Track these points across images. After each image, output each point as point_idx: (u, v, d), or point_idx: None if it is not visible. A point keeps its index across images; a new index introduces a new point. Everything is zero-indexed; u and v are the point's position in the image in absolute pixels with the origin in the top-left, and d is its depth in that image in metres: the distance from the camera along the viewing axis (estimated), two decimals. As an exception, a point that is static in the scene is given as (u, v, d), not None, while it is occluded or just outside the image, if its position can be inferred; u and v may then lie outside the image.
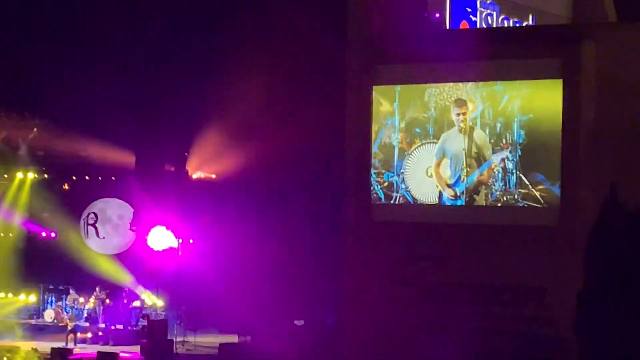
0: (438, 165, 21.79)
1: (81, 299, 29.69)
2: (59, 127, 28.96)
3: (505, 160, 21.16)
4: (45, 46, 26.56)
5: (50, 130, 28.98)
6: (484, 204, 21.55)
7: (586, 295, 20.04)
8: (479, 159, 21.49)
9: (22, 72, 26.20)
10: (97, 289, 29.53)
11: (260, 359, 23.91)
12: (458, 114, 21.61)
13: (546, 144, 20.94)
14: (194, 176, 29.10)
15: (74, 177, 30.48)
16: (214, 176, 29.28)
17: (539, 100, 21.07)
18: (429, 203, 21.98)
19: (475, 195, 21.59)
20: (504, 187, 21.28)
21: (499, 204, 21.44)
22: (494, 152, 21.24)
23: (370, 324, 21.65)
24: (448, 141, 21.72)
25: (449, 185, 21.69)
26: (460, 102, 21.59)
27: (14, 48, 26.06)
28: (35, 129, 29.41)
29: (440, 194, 21.81)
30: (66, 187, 30.65)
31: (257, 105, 25.07)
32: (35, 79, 26.77)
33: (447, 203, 21.79)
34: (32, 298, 30.70)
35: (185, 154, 25.29)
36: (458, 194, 21.68)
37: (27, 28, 26.24)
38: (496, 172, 21.27)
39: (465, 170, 21.55)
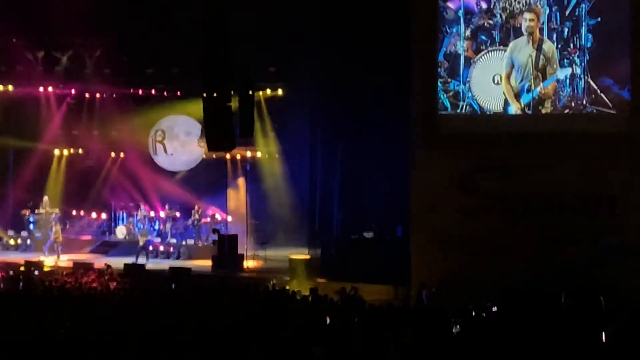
0: (508, 75, 21.60)
1: (152, 214, 30.11)
2: (125, 46, 29.10)
3: (574, 65, 20.92)
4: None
5: (115, 48, 29.11)
6: (552, 112, 21.37)
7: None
8: (546, 71, 21.28)
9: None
10: (167, 206, 29.93)
11: (328, 271, 24.10)
12: (526, 20, 21.35)
13: (615, 47, 20.70)
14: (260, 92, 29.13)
15: (140, 93, 30.62)
16: (280, 92, 29.28)
17: (607, 3, 20.77)
18: (496, 112, 21.81)
19: (540, 107, 21.40)
20: (572, 92, 21.08)
21: (567, 111, 21.24)
22: (561, 61, 21.02)
23: (438, 235, 21.66)
24: (516, 50, 21.51)
25: (516, 96, 21.51)
26: (529, 9, 21.32)
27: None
28: (100, 48, 29.54)
29: (507, 103, 21.65)
30: (132, 104, 30.82)
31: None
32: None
33: (515, 111, 21.62)
34: (104, 215, 31.16)
35: (251, 69, 25.17)
36: (524, 105, 21.51)
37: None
38: (565, 79, 21.06)
39: (532, 82, 21.36)
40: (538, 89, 21.28)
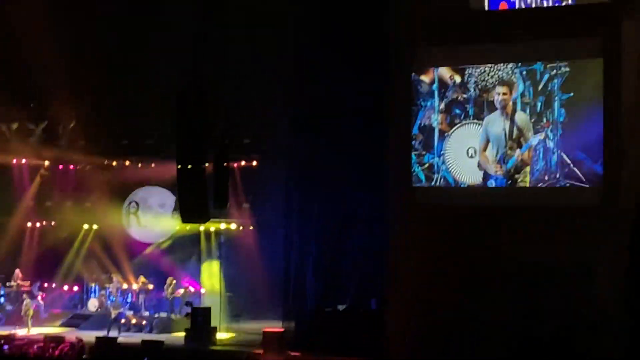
0: (483, 148, 21.77)
1: (125, 286, 29.88)
2: (99, 117, 29.11)
3: (546, 139, 21.09)
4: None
5: (90, 119, 29.12)
6: (526, 185, 21.49)
7: (633, 273, 19.97)
8: (520, 141, 21.46)
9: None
10: (141, 277, 29.74)
11: (302, 344, 23.95)
12: (499, 94, 21.59)
13: (587, 122, 20.86)
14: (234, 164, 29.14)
15: (114, 164, 30.60)
16: (255, 163, 29.31)
17: (580, 79, 21.00)
18: (471, 184, 21.93)
19: (517, 176, 21.54)
20: (545, 166, 21.21)
21: (541, 184, 21.36)
22: (535, 132, 21.21)
23: (414, 306, 21.62)
24: (490, 124, 21.70)
25: (492, 167, 21.65)
26: (501, 83, 21.57)
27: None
28: (74, 119, 29.53)
29: (483, 175, 21.78)
30: (107, 175, 30.75)
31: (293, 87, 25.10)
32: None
33: (490, 184, 21.73)
34: (76, 288, 30.89)
35: (226, 141, 25.23)
36: (500, 176, 21.63)
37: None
38: (537, 152, 21.20)
39: (506, 152, 21.51)
40: (515, 156, 21.40)
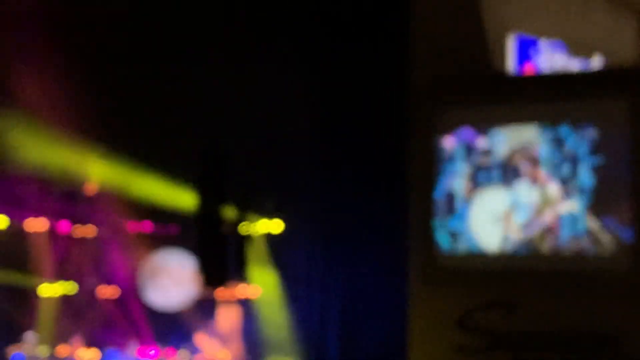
0: (508, 214, 21.45)
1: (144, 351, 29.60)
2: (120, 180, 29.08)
3: (574, 205, 20.78)
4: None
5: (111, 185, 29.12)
6: (553, 250, 21.16)
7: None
8: (546, 206, 21.14)
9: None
10: (166, 346, 29.45)
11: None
12: (524, 159, 21.32)
13: (616, 188, 20.53)
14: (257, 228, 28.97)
15: (135, 227, 30.53)
16: (277, 227, 29.08)
17: (608, 143, 20.68)
18: (495, 250, 21.62)
19: (543, 242, 21.19)
20: (572, 232, 20.88)
21: (568, 251, 21.03)
22: (561, 197, 20.91)
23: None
24: (515, 189, 21.41)
25: (517, 233, 21.35)
26: (526, 146, 21.29)
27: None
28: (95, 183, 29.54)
29: (507, 241, 21.46)
30: (128, 238, 30.66)
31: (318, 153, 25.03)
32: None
33: (514, 250, 21.41)
34: (95, 352, 30.66)
35: (248, 206, 25.09)
36: (526, 242, 21.30)
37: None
38: (564, 218, 20.89)
39: (532, 218, 21.20)
40: (540, 223, 21.10)
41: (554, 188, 21.01)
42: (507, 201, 21.43)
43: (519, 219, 21.32)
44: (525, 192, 21.29)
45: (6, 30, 25.17)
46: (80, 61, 26.01)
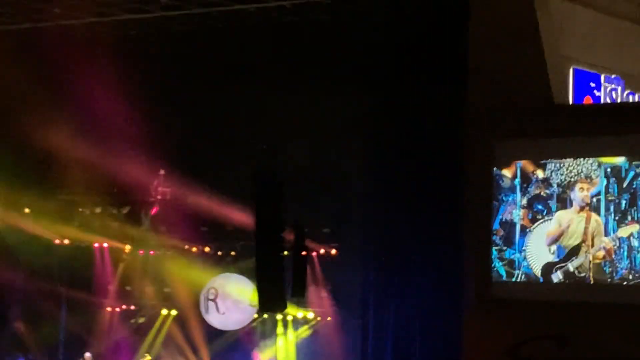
0: (555, 241, 21.43)
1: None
2: (180, 204, 29.45)
3: (631, 237, 20.69)
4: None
5: (171, 206, 29.52)
6: (609, 283, 21.06)
7: None
8: (595, 240, 21.06)
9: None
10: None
11: None
12: (581, 189, 21.26)
13: (673, 220, 20.49)
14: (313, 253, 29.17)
15: (194, 250, 30.89)
16: (334, 252, 29.31)
17: (665, 176, 20.67)
18: (552, 280, 21.55)
19: (599, 273, 21.09)
20: (629, 265, 20.77)
21: (625, 283, 20.93)
22: (619, 229, 20.81)
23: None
24: (567, 219, 21.36)
25: (563, 262, 21.32)
26: (583, 179, 21.25)
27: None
28: (156, 205, 29.99)
29: (563, 271, 21.40)
30: (186, 261, 31.04)
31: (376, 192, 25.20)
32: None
33: (570, 280, 21.33)
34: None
35: (305, 230, 25.27)
36: (576, 273, 21.23)
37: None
38: (622, 250, 20.80)
39: (580, 250, 21.13)
40: (590, 254, 21.02)
41: (598, 219, 20.94)
42: (558, 231, 21.38)
43: (567, 249, 21.25)
44: (574, 221, 21.21)
45: (81, 56, 25.83)
46: (150, 86, 26.57)
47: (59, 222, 30.67)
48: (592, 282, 21.15)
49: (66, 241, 31.22)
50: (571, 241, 21.22)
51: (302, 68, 25.72)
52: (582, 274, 21.20)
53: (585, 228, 21.09)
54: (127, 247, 31.49)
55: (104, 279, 31.70)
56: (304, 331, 29.66)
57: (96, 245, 31.29)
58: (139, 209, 30.28)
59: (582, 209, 21.16)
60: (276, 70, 25.97)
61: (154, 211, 30.03)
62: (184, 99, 27.37)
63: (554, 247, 21.41)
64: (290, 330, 29.70)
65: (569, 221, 21.23)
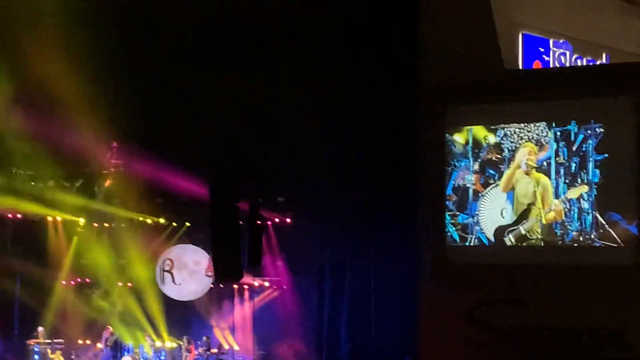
0: (516, 208, 21.61)
1: (158, 344, 29.94)
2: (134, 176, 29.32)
3: (581, 199, 20.94)
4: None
5: (124, 178, 29.38)
6: (560, 245, 21.32)
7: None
8: (545, 201, 21.30)
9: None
10: (185, 338, 29.69)
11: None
12: (530, 153, 21.45)
13: (622, 183, 20.65)
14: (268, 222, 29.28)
15: (149, 222, 30.82)
16: (289, 220, 29.41)
17: (614, 140, 20.79)
18: (504, 244, 21.78)
19: (550, 236, 21.35)
20: (580, 227, 21.03)
21: (576, 244, 21.20)
22: (567, 192, 21.05)
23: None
24: (516, 183, 21.58)
25: (525, 227, 21.53)
26: (533, 143, 21.46)
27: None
28: (109, 178, 29.87)
29: (516, 234, 21.61)
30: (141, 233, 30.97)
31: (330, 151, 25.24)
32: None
33: (523, 244, 21.55)
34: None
35: (259, 199, 25.33)
36: (528, 236, 21.47)
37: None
38: (572, 213, 21.06)
39: (535, 212, 21.35)
40: (539, 219, 21.26)
41: (547, 181, 21.17)
42: (514, 195, 21.57)
43: (518, 213, 21.48)
44: (522, 184, 21.43)
45: (45, 28, 25.47)
46: (101, 55, 26.30)
47: (11, 196, 30.42)
48: (543, 245, 21.44)
49: (19, 215, 31.00)
50: (522, 202, 21.48)
51: (256, 43, 25.65)
52: (534, 237, 21.46)
53: (534, 191, 21.35)
54: (81, 220, 31.35)
55: (58, 253, 31.54)
56: (261, 300, 29.75)
57: (50, 218, 31.09)
58: (92, 182, 30.14)
59: (530, 172, 21.42)
60: (232, 45, 25.88)
61: (107, 183, 29.90)
62: (138, 69, 27.15)
63: (505, 212, 21.64)
64: (247, 299, 29.78)
65: (518, 179, 21.47)
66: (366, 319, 25.20)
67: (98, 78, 26.20)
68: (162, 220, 30.71)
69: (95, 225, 31.43)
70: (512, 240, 21.70)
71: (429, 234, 22.27)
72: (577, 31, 23.36)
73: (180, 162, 27.55)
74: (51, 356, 29.24)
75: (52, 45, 25.60)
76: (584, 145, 21.01)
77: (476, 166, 22.05)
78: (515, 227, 21.64)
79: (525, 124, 21.58)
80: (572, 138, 21.13)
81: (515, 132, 21.67)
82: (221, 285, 29.82)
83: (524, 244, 21.57)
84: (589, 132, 20.99)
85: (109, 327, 30.31)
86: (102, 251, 31.47)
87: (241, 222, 23.58)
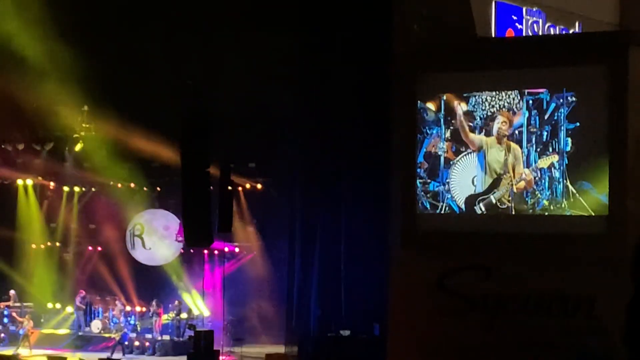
0: (487, 176, 21.62)
1: (127, 308, 29.93)
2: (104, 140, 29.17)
3: (552, 168, 20.99)
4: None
5: (95, 142, 29.24)
6: (530, 213, 21.38)
7: (635, 305, 19.79)
8: (515, 170, 21.31)
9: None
10: (155, 301, 29.65)
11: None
12: (503, 122, 21.44)
13: (593, 152, 20.73)
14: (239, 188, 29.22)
15: (119, 186, 30.70)
16: (259, 186, 29.37)
17: (586, 109, 20.84)
18: (475, 212, 21.83)
19: (521, 204, 21.41)
20: (550, 195, 21.09)
21: (546, 213, 21.27)
22: (539, 161, 21.05)
23: (415, 334, 21.52)
24: (488, 150, 21.58)
25: (496, 195, 21.57)
26: (505, 111, 21.44)
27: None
28: (80, 142, 29.69)
29: (487, 202, 21.67)
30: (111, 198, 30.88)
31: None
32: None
33: (493, 212, 21.60)
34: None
35: (230, 165, 25.24)
36: (499, 205, 21.50)
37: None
38: (543, 181, 21.10)
39: (506, 180, 21.37)
40: (515, 185, 21.28)
41: (518, 149, 21.17)
42: (485, 164, 21.59)
43: (490, 181, 21.49)
44: (494, 153, 21.43)
45: None
46: (73, 21, 26.07)
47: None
48: (513, 213, 21.50)
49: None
50: (494, 168, 21.50)
51: (230, 6, 25.46)
52: (504, 206, 21.52)
53: (505, 159, 21.36)
54: (52, 184, 31.21)
55: (28, 216, 31.40)
56: (231, 265, 29.75)
57: (20, 182, 30.92)
58: (63, 146, 29.97)
59: (501, 140, 21.41)
60: (204, 9, 25.69)
61: (77, 147, 29.74)
62: (110, 35, 26.95)
63: (477, 180, 21.66)
64: (217, 264, 29.76)
65: (490, 146, 21.46)
66: (336, 285, 25.22)
67: (66, 39, 26.01)
68: (132, 185, 30.57)
69: (66, 189, 31.29)
70: (483, 209, 21.75)
71: (400, 200, 22.33)
72: (551, 0, 23.39)
73: (152, 127, 27.42)
74: (19, 319, 29.13)
75: (18, 5, 25.40)
76: (555, 114, 21.02)
77: (448, 134, 21.99)
78: (486, 196, 21.69)
79: (498, 92, 21.54)
80: (544, 106, 21.13)
81: (487, 100, 21.66)
82: (191, 251, 29.81)
83: (494, 213, 21.63)
84: (561, 100, 20.99)
85: (82, 290, 30.24)
86: (72, 215, 31.39)
87: (212, 188, 23.51)
